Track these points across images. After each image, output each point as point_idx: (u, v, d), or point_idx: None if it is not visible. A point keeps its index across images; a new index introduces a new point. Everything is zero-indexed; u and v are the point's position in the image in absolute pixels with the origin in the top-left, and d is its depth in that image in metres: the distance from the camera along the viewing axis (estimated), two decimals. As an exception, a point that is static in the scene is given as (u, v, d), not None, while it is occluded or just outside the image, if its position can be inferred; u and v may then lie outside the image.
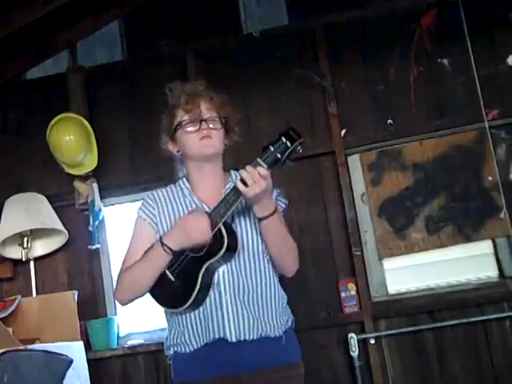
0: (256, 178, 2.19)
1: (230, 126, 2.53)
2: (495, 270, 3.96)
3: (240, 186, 2.21)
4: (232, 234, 2.32)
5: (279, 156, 2.18)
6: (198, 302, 2.35)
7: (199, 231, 2.27)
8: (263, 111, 4.21)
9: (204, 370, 2.37)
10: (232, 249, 2.32)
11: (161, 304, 2.43)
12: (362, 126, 4.13)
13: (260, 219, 2.34)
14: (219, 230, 2.29)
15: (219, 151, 2.50)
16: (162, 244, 2.33)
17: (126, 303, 2.54)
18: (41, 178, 4.28)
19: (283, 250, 2.45)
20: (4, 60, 4.32)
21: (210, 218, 2.29)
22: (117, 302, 4.08)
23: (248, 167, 2.20)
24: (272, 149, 2.18)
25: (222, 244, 2.29)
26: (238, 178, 2.25)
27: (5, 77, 4.45)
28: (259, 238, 2.41)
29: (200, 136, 2.42)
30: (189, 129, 2.43)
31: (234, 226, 2.38)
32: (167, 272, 2.37)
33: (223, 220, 2.29)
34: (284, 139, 2.18)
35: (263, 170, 2.19)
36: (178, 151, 2.52)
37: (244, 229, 2.42)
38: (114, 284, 2.54)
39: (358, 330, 3.84)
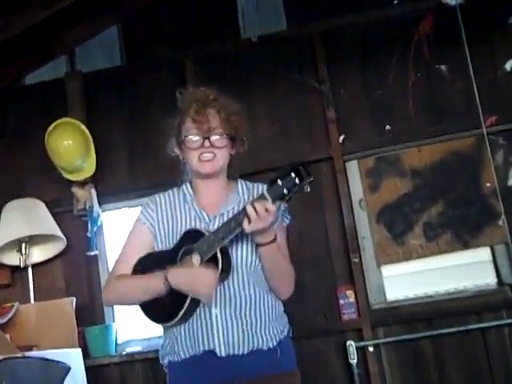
0: (262, 215, 2.17)
1: (238, 137, 2.48)
2: (493, 277, 3.97)
3: (245, 224, 2.19)
4: (227, 257, 2.30)
5: (286, 192, 2.15)
6: (185, 319, 2.34)
7: (204, 286, 2.22)
8: (261, 116, 4.21)
9: (194, 379, 2.37)
10: (225, 273, 2.30)
11: (146, 315, 2.41)
12: (361, 132, 4.14)
13: (258, 245, 2.33)
14: (215, 253, 2.27)
15: (219, 169, 2.46)
16: (165, 278, 2.28)
17: (110, 306, 2.53)
18: (39, 183, 4.27)
19: (277, 275, 2.42)
20: (2, 65, 4.32)
21: (205, 236, 2.29)
22: (115, 309, 4.10)
23: (256, 203, 2.18)
24: (280, 183, 2.15)
25: (216, 268, 2.27)
26: (247, 208, 2.21)
27: (3, 82, 4.45)
28: (254, 252, 2.39)
29: (199, 154, 2.40)
30: (190, 146, 2.41)
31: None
32: None
33: (220, 245, 2.26)
34: (293, 175, 2.14)
35: (270, 205, 2.17)
36: (182, 158, 2.50)
37: (239, 242, 2.39)
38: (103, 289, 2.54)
39: (357, 337, 3.84)
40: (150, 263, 2.41)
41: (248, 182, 2.57)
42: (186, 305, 2.30)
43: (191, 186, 2.53)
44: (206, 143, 2.39)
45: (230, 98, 2.50)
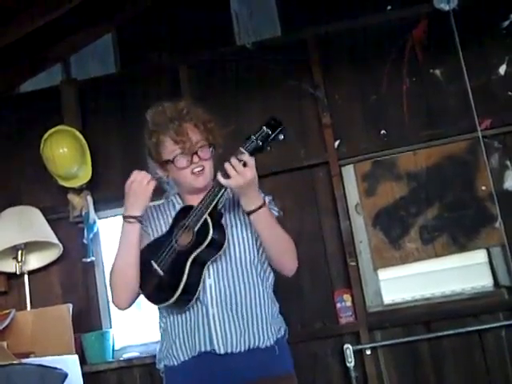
0: (239, 169, 2.21)
1: (217, 143, 2.51)
2: (490, 279, 3.97)
3: (221, 179, 2.24)
4: (219, 226, 2.34)
5: (260, 143, 2.23)
6: (188, 294, 2.33)
7: (141, 182, 2.35)
8: (256, 122, 4.14)
9: (192, 381, 2.38)
10: (218, 241, 2.32)
11: (153, 301, 2.42)
12: (356, 137, 4.14)
13: (248, 213, 2.33)
14: (205, 221, 2.30)
15: (210, 180, 2.48)
16: (123, 218, 2.37)
17: (124, 306, 2.49)
18: (35, 190, 4.27)
19: (278, 246, 2.42)
20: (-3, 73, 4.33)
21: (193, 209, 2.33)
22: (112, 314, 4.11)
23: (232, 159, 2.22)
24: (253, 138, 2.23)
25: (207, 235, 2.29)
26: (225, 164, 2.26)
27: (-2, 90, 4.46)
28: (250, 248, 2.42)
29: (192, 170, 2.43)
30: (181, 165, 2.43)
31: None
32: (157, 268, 2.36)
33: (208, 210, 2.30)
34: (265, 128, 2.24)
35: (246, 157, 2.21)
36: (167, 176, 2.53)
37: (235, 239, 2.42)
38: (109, 296, 2.54)
39: (354, 340, 3.83)
40: (149, 252, 2.43)
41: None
42: (184, 277, 2.30)
43: (180, 198, 2.57)
44: (195, 158, 2.42)
45: (198, 105, 2.53)
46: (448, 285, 3.97)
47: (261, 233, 2.37)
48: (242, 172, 2.21)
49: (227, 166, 2.22)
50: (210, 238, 2.29)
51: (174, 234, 2.37)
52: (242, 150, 2.23)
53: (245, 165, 2.21)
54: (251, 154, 2.22)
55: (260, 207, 2.32)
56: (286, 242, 2.44)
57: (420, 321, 3.85)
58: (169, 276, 2.35)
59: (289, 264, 2.47)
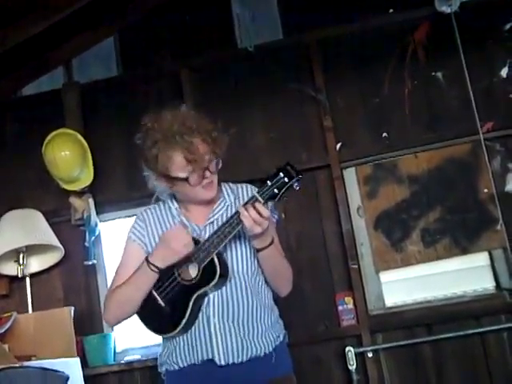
0: (258, 221, 2.20)
1: (222, 153, 2.45)
2: (492, 281, 3.97)
3: (245, 227, 2.23)
4: (223, 263, 2.32)
5: (276, 191, 2.20)
6: (188, 328, 2.35)
7: (179, 241, 2.27)
8: (258, 125, 4.23)
9: None
10: (223, 278, 2.32)
11: (149, 328, 2.42)
12: (358, 140, 4.14)
13: (257, 250, 2.35)
14: (211, 259, 2.28)
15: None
16: (148, 263, 2.32)
17: (114, 324, 2.54)
18: (36, 193, 4.27)
19: (278, 276, 2.46)
20: (0, 76, 4.32)
21: (200, 244, 2.30)
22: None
23: (249, 208, 2.21)
24: (270, 183, 2.20)
25: (215, 274, 2.28)
26: (240, 210, 2.23)
27: (0, 93, 4.45)
28: (250, 259, 2.41)
29: (202, 185, 2.38)
30: (196, 183, 2.36)
31: (224, 247, 2.35)
32: (157, 297, 2.35)
33: (216, 250, 2.28)
34: (282, 175, 2.20)
35: (263, 209, 2.20)
36: (171, 187, 2.45)
37: (234, 251, 2.41)
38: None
39: (356, 343, 3.83)
40: None
41: (231, 184, 2.57)
42: (187, 314, 2.31)
43: (176, 200, 2.52)
44: (207, 173, 2.37)
45: (201, 114, 2.46)
46: (450, 287, 3.97)
47: (265, 265, 2.41)
48: (260, 223, 2.21)
49: (244, 214, 2.21)
50: (217, 278, 2.29)
51: (177, 267, 2.34)
52: (258, 197, 2.22)
53: (260, 214, 2.21)
54: (266, 201, 2.22)
55: (269, 245, 2.34)
56: (286, 270, 2.48)
57: (422, 323, 3.85)
58: (170, 309, 2.35)
59: (283, 289, 2.51)
